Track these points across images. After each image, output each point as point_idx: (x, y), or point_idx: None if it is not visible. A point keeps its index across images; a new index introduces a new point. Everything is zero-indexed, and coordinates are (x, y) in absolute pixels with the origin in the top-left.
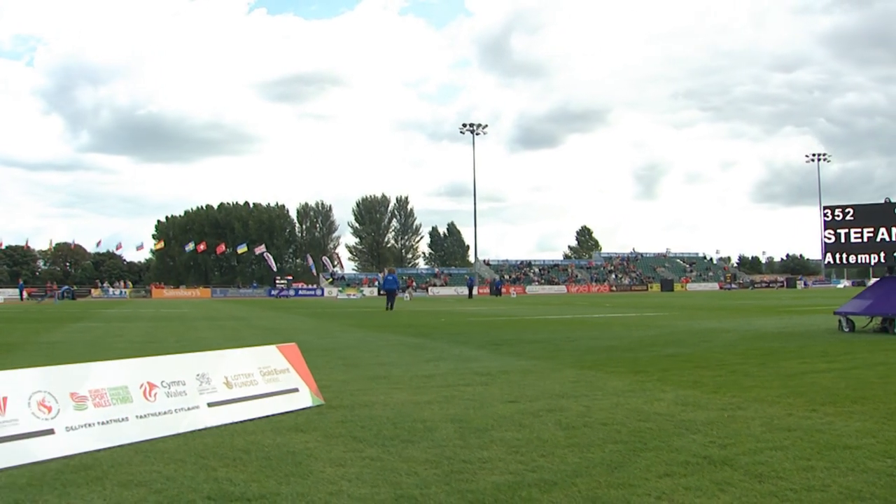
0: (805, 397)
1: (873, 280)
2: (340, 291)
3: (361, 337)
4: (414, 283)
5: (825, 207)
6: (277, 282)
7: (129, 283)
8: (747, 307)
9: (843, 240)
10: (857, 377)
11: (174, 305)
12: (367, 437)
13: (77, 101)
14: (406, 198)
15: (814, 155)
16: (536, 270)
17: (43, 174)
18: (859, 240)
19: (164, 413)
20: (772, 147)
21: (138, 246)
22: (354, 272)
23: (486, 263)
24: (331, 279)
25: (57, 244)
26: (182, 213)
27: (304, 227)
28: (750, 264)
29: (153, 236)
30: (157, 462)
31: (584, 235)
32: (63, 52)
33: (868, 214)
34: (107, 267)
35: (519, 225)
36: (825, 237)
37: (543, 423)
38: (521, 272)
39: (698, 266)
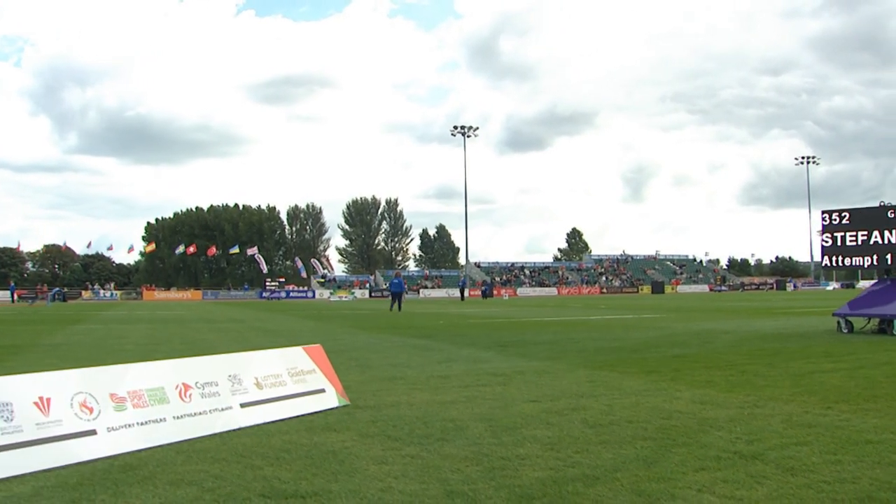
0: (818, 396)
1: (862, 283)
2: (332, 294)
3: (366, 339)
4: (406, 286)
5: (823, 212)
6: (268, 284)
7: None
8: (741, 309)
9: (839, 243)
10: (864, 376)
11: (168, 308)
12: (401, 435)
13: (65, 103)
14: (396, 200)
15: (803, 158)
16: (527, 272)
17: (30, 175)
18: (854, 243)
19: (200, 413)
20: (759, 150)
21: (129, 248)
22: (344, 274)
23: (477, 266)
24: (323, 280)
25: (46, 246)
26: (171, 216)
27: (294, 229)
28: (739, 266)
29: (143, 238)
30: (200, 462)
31: (575, 238)
32: (51, 52)
33: (863, 218)
34: (95, 269)
35: (507, 227)
36: (823, 240)
37: (570, 421)
38: (511, 274)
39: (688, 268)
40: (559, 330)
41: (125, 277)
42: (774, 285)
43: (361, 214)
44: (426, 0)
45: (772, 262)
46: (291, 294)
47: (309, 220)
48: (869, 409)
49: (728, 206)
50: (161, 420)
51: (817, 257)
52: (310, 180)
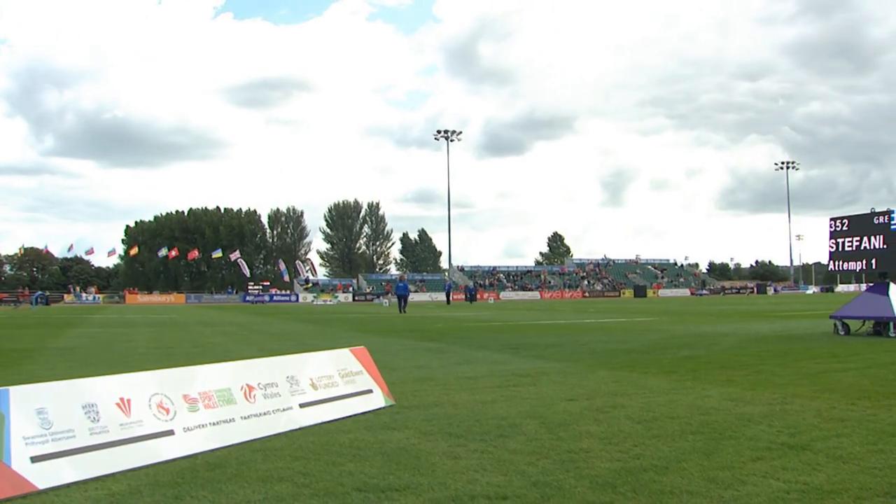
0: (838, 393)
1: (840, 287)
2: (315, 297)
3: (375, 342)
4: (391, 289)
5: (831, 219)
6: (251, 287)
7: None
8: (731, 312)
9: (842, 248)
10: (876, 375)
11: (156, 311)
12: (460, 433)
13: (42, 105)
14: (377, 203)
15: (783, 163)
16: (510, 276)
17: (7, 178)
18: (851, 248)
19: (264, 414)
20: (737, 155)
21: (110, 251)
22: (327, 278)
23: (460, 269)
24: (308, 284)
25: (25, 248)
26: (152, 219)
27: (275, 232)
28: (720, 270)
29: (123, 241)
30: (280, 460)
31: (556, 241)
32: (27, 54)
33: (858, 225)
34: (74, 272)
35: (486, 231)
36: (829, 246)
37: (614, 418)
38: (494, 278)
39: (669, 272)
40: (561, 333)
41: (104, 281)
42: (755, 289)
43: (343, 218)
44: (405, 4)
45: (752, 266)
46: (275, 298)
47: (290, 223)
48: (892, 405)
49: (706, 211)
50: (230, 420)
51: (797, 261)
52: (289, 184)
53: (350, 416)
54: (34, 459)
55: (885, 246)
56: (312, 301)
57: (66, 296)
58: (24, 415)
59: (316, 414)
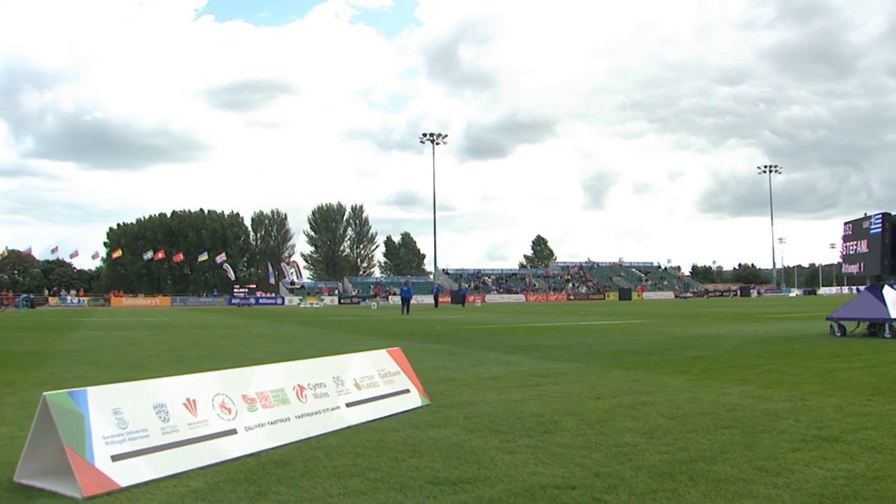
0: (851, 391)
1: (823, 289)
2: (301, 300)
3: (380, 344)
4: (380, 292)
5: (845, 223)
6: (237, 290)
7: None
8: (721, 315)
9: (850, 251)
10: (883, 374)
11: (147, 314)
12: (506, 429)
13: (21, 106)
14: (361, 206)
15: (765, 166)
16: (495, 279)
17: None
18: (852, 252)
19: (315, 413)
20: (718, 158)
21: (94, 254)
22: (311, 281)
23: (445, 272)
24: (297, 286)
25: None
26: (134, 221)
27: (258, 235)
28: (703, 273)
29: (105, 244)
30: (342, 457)
31: (540, 245)
32: (7, 54)
33: (856, 229)
34: (56, 275)
35: (468, 234)
36: (841, 250)
37: (647, 414)
38: (479, 281)
39: (653, 275)
40: (563, 335)
41: (86, 284)
42: (738, 292)
43: (327, 221)
44: (387, 7)
45: (735, 268)
46: (260, 301)
47: (274, 226)
48: None
49: (688, 214)
50: (286, 419)
51: (780, 264)
52: (272, 186)
53: (391, 415)
54: (115, 458)
55: (867, 250)
56: (299, 304)
57: (50, 299)
58: (101, 415)
59: (361, 413)
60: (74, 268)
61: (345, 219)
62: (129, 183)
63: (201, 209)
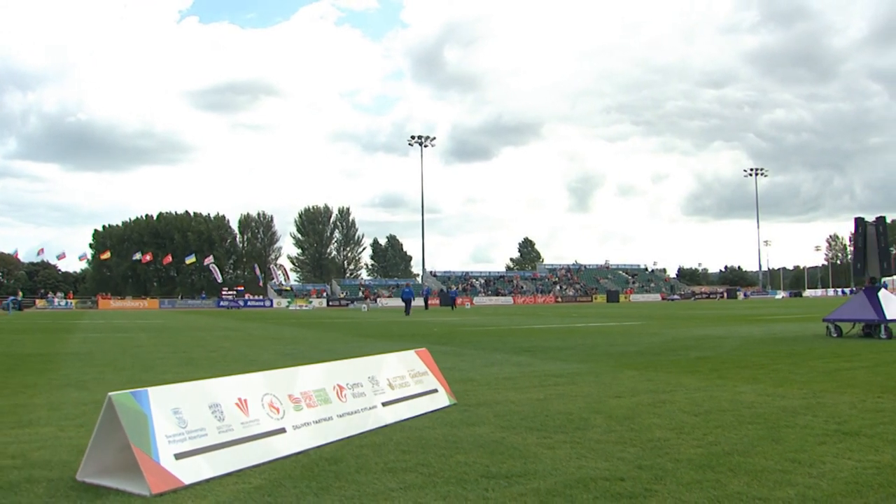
0: (859, 388)
1: (808, 291)
2: (290, 303)
3: (385, 346)
4: (370, 295)
5: (855, 219)
6: (224, 293)
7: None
8: (714, 317)
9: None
10: (887, 373)
11: (138, 316)
12: (537, 426)
13: (4, 107)
14: (348, 209)
15: (751, 169)
16: (483, 281)
17: None
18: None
19: (355, 412)
20: (702, 161)
21: (81, 256)
22: (298, 283)
23: (433, 275)
24: (286, 289)
25: None
26: (120, 224)
27: (245, 237)
28: (689, 275)
29: (90, 246)
30: (389, 454)
31: (527, 247)
32: None
33: (859, 232)
34: (41, 277)
35: (454, 236)
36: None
37: (670, 412)
38: (467, 283)
39: (640, 277)
40: (562, 337)
41: (71, 286)
42: (725, 294)
43: (314, 223)
44: (373, 9)
45: (721, 271)
46: (249, 303)
47: (260, 228)
48: None
49: (672, 216)
50: (329, 419)
51: (765, 266)
52: (257, 188)
53: (423, 414)
54: (177, 456)
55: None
56: (287, 306)
57: (37, 301)
58: (163, 414)
59: (396, 412)
60: (59, 270)
61: (331, 221)
62: (114, 185)
63: (187, 211)
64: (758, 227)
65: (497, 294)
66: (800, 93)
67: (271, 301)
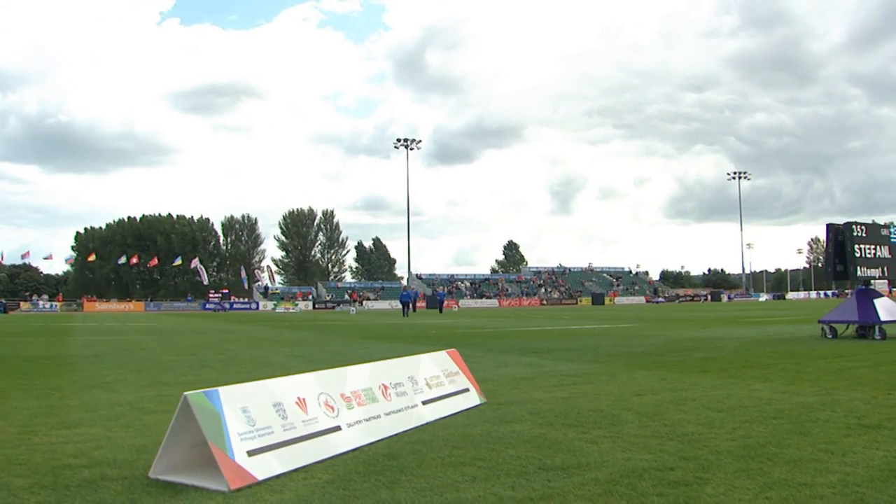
0: (869, 385)
1: (790, 294)
2: (276, 305)
3: (389, 348)
4: (358, 297)
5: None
6: (211, 295)
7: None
8: (706, 319)
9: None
10: (891, 372)
11: (130, 319)
12: (572, 422)
13: None
14: (332, 212)
15: (734, 173)
16: (468, 284)
17: None
18: (870, 256)
19: (399, 410)
20: (684, 164)
21: (67, 258)
22: (283, 286)
23: (419, 277)
24: (275, 291)
25: None
26: (102, 226)
27: (229, 240)
28: (673, 278)
29: (72, 248)
30: (442, 449)
31: (511, 250)
32: None
33: (872, 233)
34: (22, 279)
35: (437, 239)
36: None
37: (694, 408)
38: (452, 286)
39: (624, 280)
40: (563, 338)
41: (53, 288)
42: (709, 297)
43: (298, 226)
44: (356, 12)
45: (704, 273)
46: (235, 306)
47: (244, 230)
48: None
49: (654, 219)
50: (377, 417)
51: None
52: (239, 191)
53: (458, 412)
54: (250, 453)
55: (889, 255)
56: (274, 308)
57: (22, 303)
58: (233, 413)
59: (434, 410)
60: (41, 272)
61: (315, 224)
62: (95, 187)
63: (170, 214)
64: (741, 229)
65: (482, 297)
66: (780, 97)
67: (257, 304)
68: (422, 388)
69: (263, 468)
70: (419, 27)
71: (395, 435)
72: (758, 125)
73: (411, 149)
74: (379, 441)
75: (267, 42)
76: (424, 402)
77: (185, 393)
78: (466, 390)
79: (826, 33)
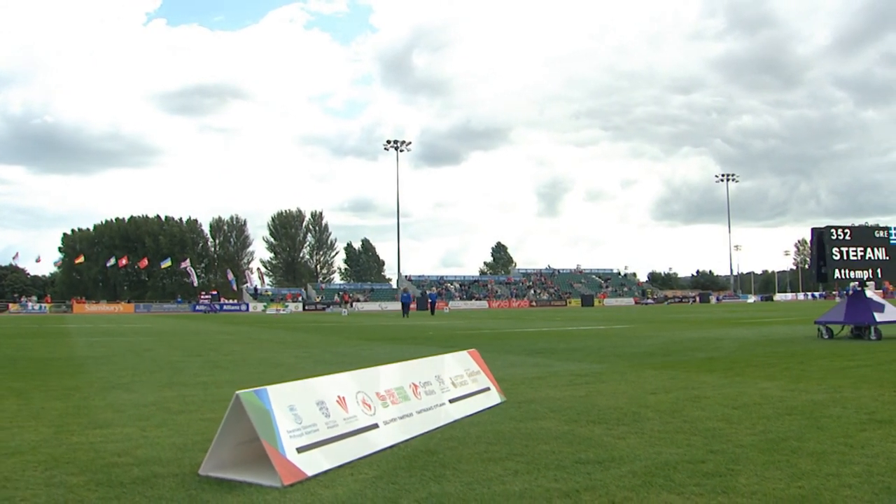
0: (873, 384)
1: (778, 295)
2: (266, 307)
3: (392, 349)
4: (349, 298)
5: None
6: (202, 297)
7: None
8: (700, 320)
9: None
10: (892, 370)
11: (123, 321)
12: (594, 419)
13: None
14: (321, 213)
15: (722, 175)
16: (457, 286)
17: None
18: (870, 258)
19: (429, 409)
20: (671, 166)
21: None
22: (271, 287)
23: (408, 279)
24: (266, 293)
25: None
26: (88, 227)
27: (217, 241)
28: (661, 280)
29: (59, 249)
30: (478, 444)
31: (500, 251)
32: None
33: (866, 237)
34: (9, 281)
35: (424, 241)
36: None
37: (708, 405)
38: (442, 287)
39: (613, 282)
40: (564, 339)
41: (40, 290)
42: (698, 298)
43: (286, 227)
44: (343, 13)
45: (692, 275)
46: (225, 307)
47: (233, 232)
48: None
49: (641, 221)
50: (410, 415)
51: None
52: (226, 192)
53: (482, 411)
54: (299, 450)
55: (887, 257)
56: (264, 310)
57: (11, 305)
58: (282, 411)
59: (460, 408)
60: (28, 273)
61: (304, 225)
62: (82, 188)
63: (158, 215)
64: (729, 231)
65: (472, 298)
66: (766, 99)
67: (247, 305)
68: (448, 386)
69: (312, 464)
70: (406, 29)
71: (428, 432)
72: (744, 127)
73: (401, 150)
74: (413, 438)
75: (254, 43)
76: (451, 401)
77: (238, 392)
78: (488, 389)
79: (811, 36)
